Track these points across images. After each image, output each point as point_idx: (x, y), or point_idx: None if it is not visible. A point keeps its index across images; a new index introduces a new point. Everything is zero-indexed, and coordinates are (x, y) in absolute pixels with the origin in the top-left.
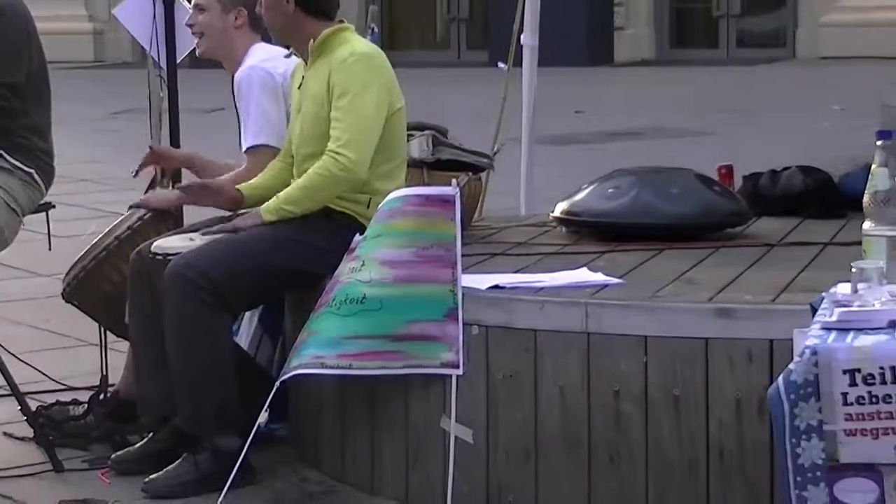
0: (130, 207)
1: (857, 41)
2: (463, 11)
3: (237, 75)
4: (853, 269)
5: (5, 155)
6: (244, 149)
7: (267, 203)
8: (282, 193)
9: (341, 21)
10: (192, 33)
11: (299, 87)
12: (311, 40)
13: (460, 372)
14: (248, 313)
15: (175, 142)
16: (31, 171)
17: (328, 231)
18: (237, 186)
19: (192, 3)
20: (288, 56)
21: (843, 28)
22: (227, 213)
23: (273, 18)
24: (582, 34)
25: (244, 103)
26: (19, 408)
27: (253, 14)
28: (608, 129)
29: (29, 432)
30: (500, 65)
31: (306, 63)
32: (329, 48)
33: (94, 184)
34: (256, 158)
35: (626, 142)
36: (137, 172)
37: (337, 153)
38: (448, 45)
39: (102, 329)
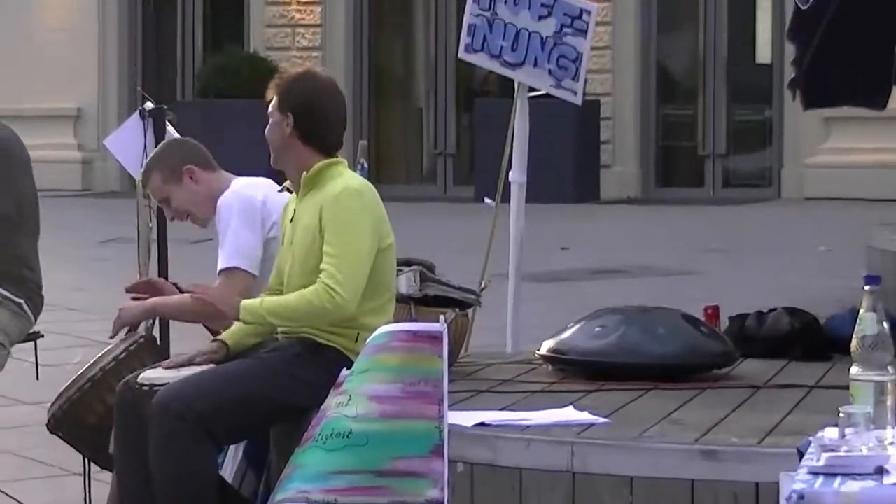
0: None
1: (842, 182)
2: (450, 147)
3: (220, 199)
4: (840, 414)
5: None
6: (218, 269)
7: (250, 302)
8: (268, 300)
9: (334, 156)
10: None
11: (291, 221)
12: (304, 172)
13: None
14: (232, 445)
15: (163, 271)
16: (21, 301)
17: (315, 365)
18: (220, 338)
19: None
20: (281, 191)
21: (828, 169)
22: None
23: (272, 135)
24: (569, 171)
25: (223, 226)
26: None
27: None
28: (594, 267)
29: None
30: (487, 200)
31: (297, 195)
32: (321, 182)
33: (81, 312)
34: (229, 280)
35: (612, 279)
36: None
37: (331, 288)
38: (434, 179)
39: (86, 459)
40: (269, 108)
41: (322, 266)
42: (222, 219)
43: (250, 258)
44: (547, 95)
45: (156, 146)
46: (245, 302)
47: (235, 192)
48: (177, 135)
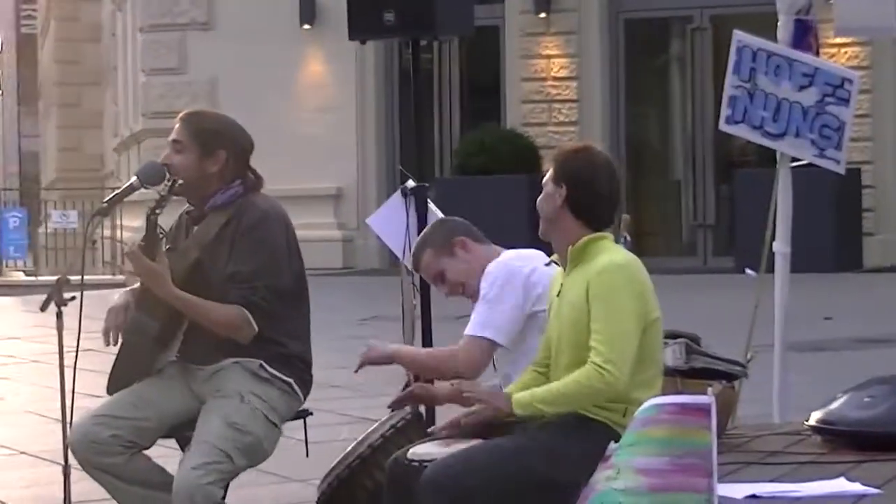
0: (391, 407)
1: None
2: (709, 218)
3: (488, 266)
4: None
5: (265, 366)
6: (466, 333)
7: (520, 394)
8: (538, 391)
9: (599, 229)
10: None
11: (558, 295)
12: (570, 245)
13: None
14: None
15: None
16: (290, 380)
17: (584, 439)
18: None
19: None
20: (548, 265)
21: None
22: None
23: (544, 205)
24: (831, 240)
25: (483, 291)
26: None
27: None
28: (859, 336)
29: None
30: (749, 272)
31: (564, 269)
32: (587, 257)
33: (345, 389)
34: (470, 346)
35: (878, 349)
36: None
37: (601, 367)
38: (694, 251)
39: None
40: (544, 179)
41: (591, 344)
42: (485, 284)
43: (502, 330)
44: (808, 164)
45: (418, 224)
46: (517, 396)
47: (503, 262)
48: (438, 212)
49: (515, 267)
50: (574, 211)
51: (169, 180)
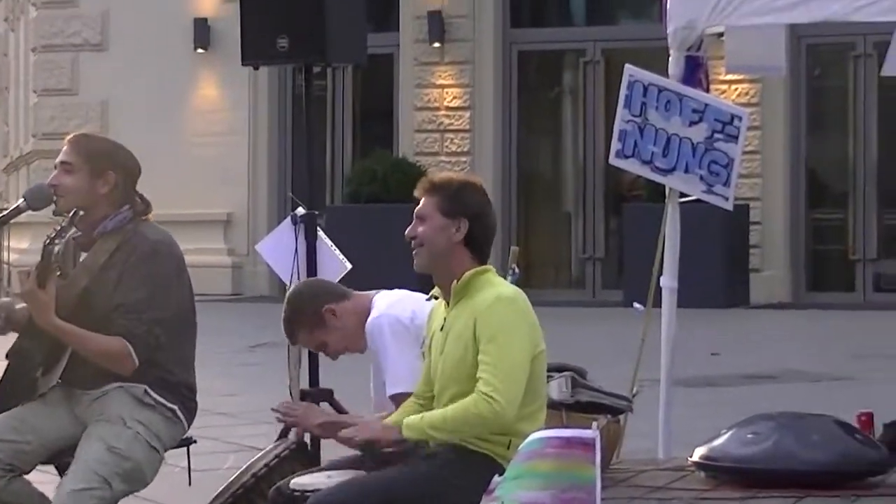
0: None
1: None
2: (598, 251)
3: (367, 325)
4: None
5: (150, 391)
6: (388, 395)
7: (410, 418)
8: (428, 415)
9: (482, 263)
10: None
11: (441, 329)
12: (455, 280)
13: None
14: None
15: (314, 377)
16: (175, 407)
17: (468, 471)
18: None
19: None
20: (429, 299)
21: None
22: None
23: (436, 239)
24: (719, 276)
25: (380, 353)
26: None
27: None
28: (745, 372)
29: None
30: (637, 305)
31: (447, 303)
32: (472, 290)
33: (232, 417)
34: (401, 405)
35: (763, 385)
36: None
37: (490, 397)
38: (583, 284)
39: None
40: (425, 211)
41: (479, 374)
42: (376, 345)
43: (414, 379)
44: (697, 200)
45: (307, 251)
46: (407, 420)
47: (383, 315)
48: (328, 240)
49: (396, 315)
50: (470, 245)
51: (69, 211)
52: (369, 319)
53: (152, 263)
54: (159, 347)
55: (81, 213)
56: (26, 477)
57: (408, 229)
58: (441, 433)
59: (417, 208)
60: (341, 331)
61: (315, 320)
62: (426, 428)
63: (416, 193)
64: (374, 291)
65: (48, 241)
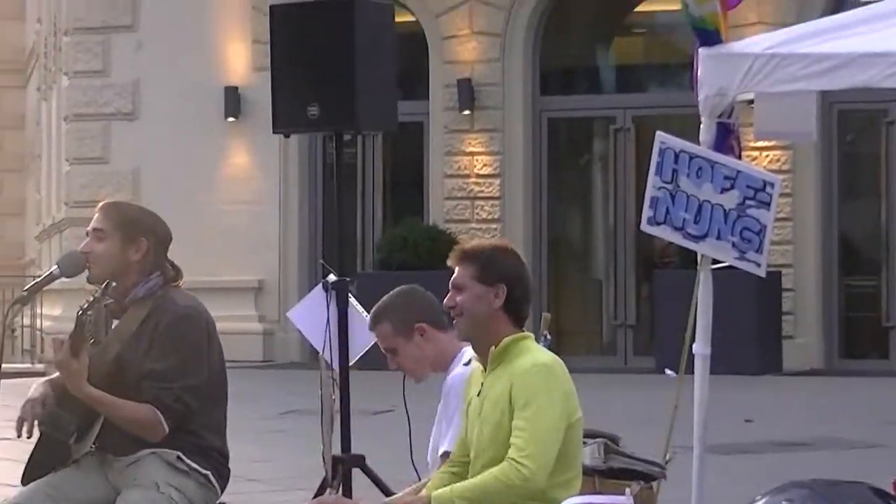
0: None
1: None
2: (630, 318)
3: (451, 375)
4: None
5: (183, 457)
6: (441, 452)
7: (440, 491)
8: (457, 486)
9: (521, 330)
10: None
11: (478, 395)
12: (493, 346)
13: None
14: None
15: (346, 443)
16: (208, 472)
17: None
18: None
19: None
20: (467, 363)
21: None
22: None
23: (475, 308)
24: (751, 342)
25: (450, 409)
26: None
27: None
28: (779, 439)
29: None
30: (669, 372)
31: (485, 369)
32: (509, 356)
33: (264, 483)
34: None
35: (797, 452)
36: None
37: (519, 463)
38: (615, 350)
39: None
40: (462, 280)
41: (511, 440)
42: (451, 401)
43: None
44: (729, 267)
45: (338, 318)
46: (435, 493)
47: (464, 374)
48: (359, 306)
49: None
50: (509, 311)
51: (102, 279)
52: (455, 372)
53: (182, 329)
54: (190, 414)
55: (114, 283)
56: None
57: (446, 299)
58: (472, 503)
59: (454, 278)
60: (418, 352)
61: (404, 327)
62: (455, 499)
63: (450, 263)
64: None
65: (81, 311)
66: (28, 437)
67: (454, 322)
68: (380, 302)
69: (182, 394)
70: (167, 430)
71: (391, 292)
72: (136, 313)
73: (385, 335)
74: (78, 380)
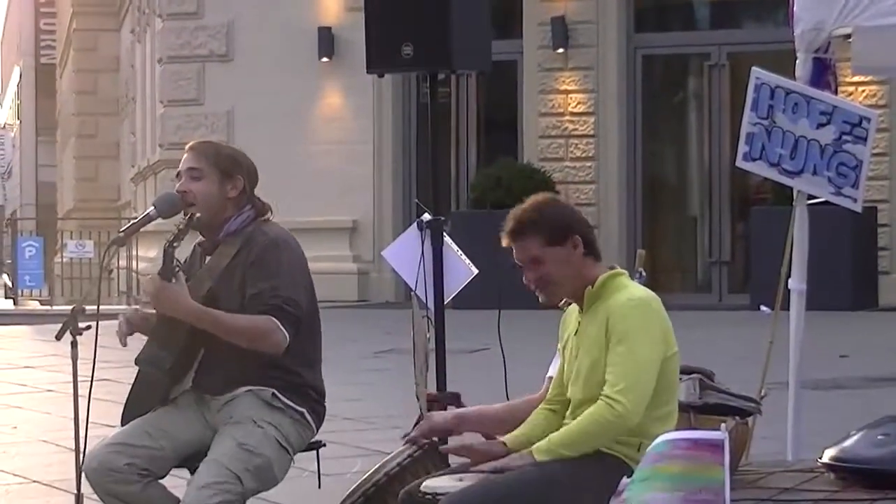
0: (405, 440)
1: None
2: (724, 255)
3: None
4: None
5: (279, 395)
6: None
7: (540, 443)
8: (555, 435)
9: (612, 266)
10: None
11: (576, 333)
12: (589, 286)
13: None
14: None
15: (441, 382)
16: (303, 410)
17: (597, 473)
18: (501, 439)
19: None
20: (563, 305)
21: None
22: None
23: (562, 273)
24: (846, 278)
25: None
26: None
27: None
28: (874, 374)
29: None
30: (764, 308)
31: (581, 308)
32: (606, 293)
33: (358, 422)
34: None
35: (892, 387)
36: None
37: (612, 399)
38: (709, 288)
39: None
40: (536, 253)
41: (606, 376)
42: None
43: None
44: (825, 203)
45: (433, 257)
46: (537, 446)
47: None
48: (454, 246)
49: None
50: (589, 252)
51: (186, 213)
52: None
53: (277, 254)
54: (302, 325)
55: (198, 215)
56: (161, 481)
57: (528, 279)
58: (572, 448)
59: (524, 256)
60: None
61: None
62: (557, 447)
63: (507, 243)
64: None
65: (167, 244)
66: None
67: (540, 293)
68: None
69: (291, 298)
70: (287, 335)
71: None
72: (227, 249)
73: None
74: (179, 300)
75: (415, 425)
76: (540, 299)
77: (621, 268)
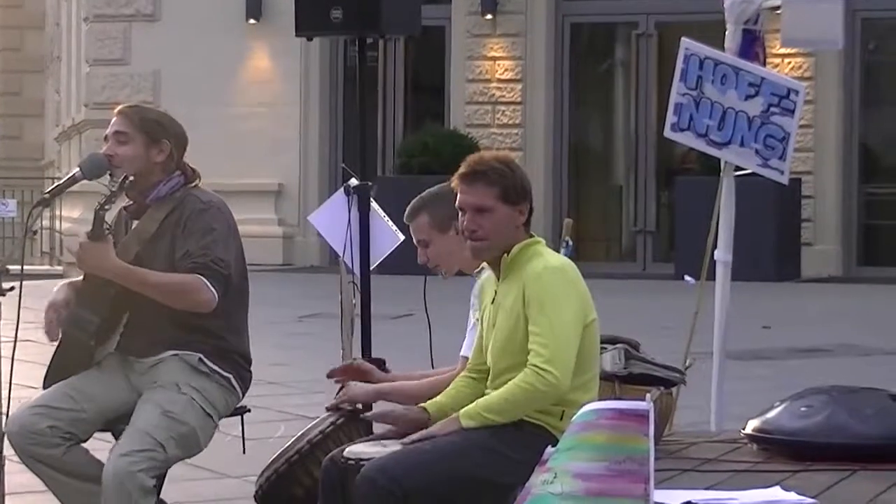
0: (327, 409)
1: None
2: (650, 224)
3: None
4: None
5: (205, 360)
6: (461, 355)
7: (467, 408)
8: (482, 401)
9: (531, 234)
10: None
11: (492, 302)
12: (505, 254)
13: None
14: None
15: (366, 347)
16: (229, 376)
17: (520, 442)
18: (422, 405)
19: None
20: (478, 272)
21: None
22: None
23: (502, 232)
24: (770, 249)
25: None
26: None
27: None
28: (797, 346)
29: None
30: (688, 279)
31: (497, 277)
32: (521, 262)
33: (283, 387)
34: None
35: (815, 359)
36: (332, 375)
37: (542, 369)
38: (634, 257)
39: None
40: (487, 202)
41: (530, 346)
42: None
43: None
44: (751, 174)
45: (360, 222)
46: (463, 411)
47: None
48: (381, 211)
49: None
50: (526, 224)
51: (118, 176)
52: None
53: (207, 218)
54: (216, 309)
55: (131, 178)
56: (84, 445)
57: (466, 221)
58: (500, 415)
59: (472, 200)
60: (450, 248)
61: (442, 221)
62: (484, 413)
63: (462, 181)
64: None
65: (98, 206)
66: (56, 340)
67: (472, 245)
68: (421, 195)
69: (219, 258)
70: (215, 294)
71: (432, 188)
72: (155, 214)
73: (421, 226)
74: (106, 257)
75: (338, 391)
76: (469, 251)
77: (546, 236)
